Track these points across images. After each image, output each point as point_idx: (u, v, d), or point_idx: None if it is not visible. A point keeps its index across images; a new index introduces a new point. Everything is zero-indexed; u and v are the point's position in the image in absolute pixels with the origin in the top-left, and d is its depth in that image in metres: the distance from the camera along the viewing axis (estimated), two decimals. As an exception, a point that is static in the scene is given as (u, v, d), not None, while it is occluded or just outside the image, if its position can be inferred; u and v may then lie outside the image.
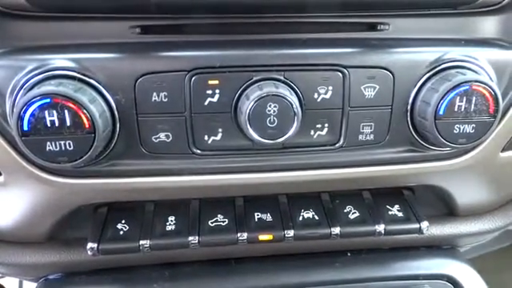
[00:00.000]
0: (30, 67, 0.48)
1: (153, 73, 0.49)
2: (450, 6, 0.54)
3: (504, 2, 0.53)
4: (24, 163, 0.53)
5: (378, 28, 0.55)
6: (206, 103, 0.51)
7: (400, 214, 0.64)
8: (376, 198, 0.66)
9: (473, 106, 0.51)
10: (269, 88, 0.48)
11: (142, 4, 0.49)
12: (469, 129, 0.52)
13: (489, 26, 0.56)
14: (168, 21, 0.52)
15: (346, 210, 0.64)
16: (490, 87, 0.50)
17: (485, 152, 0.59)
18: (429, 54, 0.53)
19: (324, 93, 0.52)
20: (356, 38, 0.55)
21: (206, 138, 0.53)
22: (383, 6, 0.53)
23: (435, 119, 0.51)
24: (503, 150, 0.60)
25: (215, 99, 0.51)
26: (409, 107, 0.54)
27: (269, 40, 0.53)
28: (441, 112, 0.51)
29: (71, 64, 0.49)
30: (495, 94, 0.50)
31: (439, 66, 0.52)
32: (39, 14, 0.50)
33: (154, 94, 0.50)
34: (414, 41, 0.55)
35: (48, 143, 0.47)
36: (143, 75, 0.49)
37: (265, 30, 0.54)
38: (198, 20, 0.52)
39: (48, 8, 0.49)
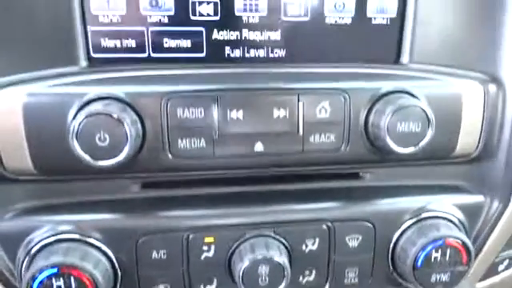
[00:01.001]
0: (37, 232, 0.52)
1: (153, 233, 0.54)
2: (430, 159, 0.59)
3: (473, 155, 0.59)
4: None
5: (360, 175, 0.60)
6: (203, 257, 0.55)
7: None
8: None
9: (447, 258, 0.55)
10: (260, 250, 0.53)
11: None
12: (445, 277, 0.56)
13: (461, 172, 0.62)
14: (167, 177, 0.57)
15: None
16: (463, 241, 0.55)
17: (463, 285, 0.63)
18: (407, 205, 0.58)
19: (311, 244, 0.56)
20: (339, 189, 0.60)
21: (201, 286, 0.56)
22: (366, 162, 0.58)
23: (413, 269, 0.56)
24: (480, 280, 0.65)
25: (211, 254, 0.55)
26: (390, 253, 0.58)
27: (260, 194, 0.58)
28: (418, 263, 0.55)
29: (76, 227, 0.53)
30: (467, 247, 0.55)
31: (417, 216, 0.58)
32: (44, 177, 0.54)
33: (154, 252, 0.54)
34: (393, 189, 0.60)
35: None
36: (144, 235, 0.54)
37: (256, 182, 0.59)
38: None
39: (54, 173, 0.54)
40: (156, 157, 0.51)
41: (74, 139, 0.46)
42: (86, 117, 0.46)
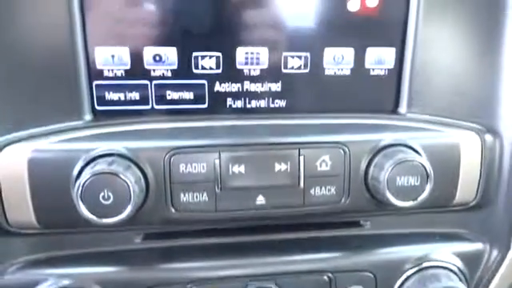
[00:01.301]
0: (41, 286, 0.52)
1: (156, 285, 0.54)
2: (430, 208, 0.60)
3: (472, 203, 0.60)
4: None
5: (361, 223, 0.61)
6: (207, 308, 0.55)
7: None
8: None
9: (448, 309, 0.56)
10: (263, 304, 0.53)
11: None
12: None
13: (460, 220, 0.62)
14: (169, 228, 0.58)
15: None
16: (462, 292, 0.55)
17: None
18: (407, 255, 0.59)
19: (312, 294, 0.57)
20: (340, 237, 0.60)
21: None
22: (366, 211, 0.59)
23: (415, 320, 0.56)
24: None
25: (214, 306, 0.55)
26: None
27: (261, 244, 0.59)
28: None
29: (78, 281, 0.53)
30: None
31: (417, 266, 0.58)
32: (47, 231, 0.54)
33: (159, 305, 0.54)
34: (393, 237, 0.61)
35: None
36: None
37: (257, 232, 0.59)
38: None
39: (57, 226, 0.54)
40: (159, 211, 0.52)
41: (79, 199, 0.46)
42: (91, 176, 0.46)
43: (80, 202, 0.46)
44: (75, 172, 0.49)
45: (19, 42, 0.50)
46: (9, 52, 0.50)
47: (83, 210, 0.47)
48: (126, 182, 0.47)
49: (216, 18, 0.53)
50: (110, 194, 0.47)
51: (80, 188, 0.46)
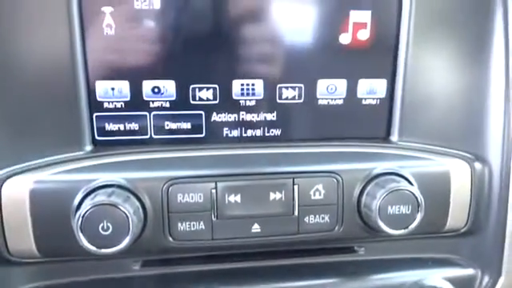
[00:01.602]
0: None
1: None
2: (422, 235, 0.61)
3: (463, 230, 0.61)
4: None
5: (355, 250, 0.62)
6: None
7: None
8: None
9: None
10: None
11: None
12: None
13: (452, 246, 0.64)
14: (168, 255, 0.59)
15: None
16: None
17: None
18: (401, 280, 0.60)
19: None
20: (334, 263, 0.61)
21: None
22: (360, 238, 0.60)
23: None
24: None
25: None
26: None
27: (256, 270, 0.59)
28: None
29: None
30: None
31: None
32: (46, 259, 0.55)
33: (155, 332, 0.55)
34: (387, 263, 0.62)
35: None
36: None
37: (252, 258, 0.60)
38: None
39: (57, 255, 0.55)
40: (156, 240, 0.53)
41: (79, 230, 0.47)
42: (91, 207, 0.48)
43: (80, 233, 0.48)
44: (75, 202, 0.51)
45: (22, 75, 0.52)
46: (12, 85, 0.52)
47: (83, 241, 0.48)
48: (125, 213, 0.48)
49: (213, 52, 0.56)
50: (110, 224, 0.48)
51: (80, 219, 0.48)
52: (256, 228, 0.55)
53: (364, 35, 0.58)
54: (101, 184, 0.51)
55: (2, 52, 0.50)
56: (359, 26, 0.57)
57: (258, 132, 0.60)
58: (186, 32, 0.54)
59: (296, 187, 0.55)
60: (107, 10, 0.53)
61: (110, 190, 0.50)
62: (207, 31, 0.55)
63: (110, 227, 0.48)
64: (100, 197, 0.49)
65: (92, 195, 0.50)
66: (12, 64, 0.51)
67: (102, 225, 0.48)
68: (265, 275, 0.59)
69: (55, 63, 0.52)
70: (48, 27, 0.51)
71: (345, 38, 0.58)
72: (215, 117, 0.58)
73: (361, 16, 0.57)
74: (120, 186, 0.51)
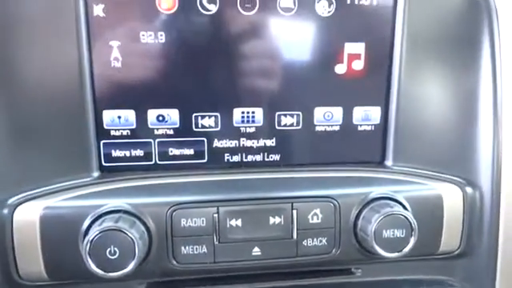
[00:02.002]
0: None
1: None
2: (416, 257, 0.63)
3: (456, 252, 0.63)
4: None
5: (352, 271, 0.64)
6: None
7: None
8: None
9: None
10: None
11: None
12: None
13: (446, 267, 0.66)
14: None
15: None
16: None
17: None
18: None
19: None
20: (332, 285, 0.63)
21: None
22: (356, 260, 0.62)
23: None
24: None
25: None
26: None
27: None
28: None
29: None
30: None
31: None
32: (53, 282, 0.56)
33: None
34: (383, 284, 0.64)
35: None
36: None
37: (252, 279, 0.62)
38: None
39: (65, 278, 0.57)
40: (161, 263, 0.55)
41: (88, 255, 0.50)
42: (99, 233, 0.50)
43: (88, 258, 0.50)
44: (84, 228, 0.53)
45: (33, 105, 0.54)
46: (23, 116, 0.54)
47: (91, 265, 0.50)
48: (132, 238, 0.50)
49: (214, 82, 0.58)
50: (116, 249, 0.50)
51: (88, 244, 0.50)
52: (256, 251, 0.57)
53: (358, 65, 0.61)
54: (108, 210, 0.53)
55: (13, 87, 0.53)
56: (354, 56, 0.61)
57: (258, 157, 0.62)
58: (189, 63, 0.57)
59: (295, 212, 0.57)
60: (115, 44, 0.56)
61: (116, 215, 0.52)
62: (209, 63, 0.58)
63: (117, 252, 0.50)
64: (107, 222, 0.51)
65: (99, 221, 0.52)
66: (24, 94, 0.54)
67: (109, 249, 0.50)
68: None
69: (65, 93, 0.55)
70: (59, 60, 0.54)
71: (340, 68, 0.60)
72: (217, 143, 0.61)
73: (355, 48, 0.60)
74: (126, 212, 0.54)
